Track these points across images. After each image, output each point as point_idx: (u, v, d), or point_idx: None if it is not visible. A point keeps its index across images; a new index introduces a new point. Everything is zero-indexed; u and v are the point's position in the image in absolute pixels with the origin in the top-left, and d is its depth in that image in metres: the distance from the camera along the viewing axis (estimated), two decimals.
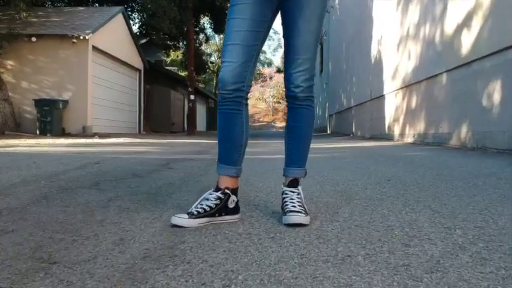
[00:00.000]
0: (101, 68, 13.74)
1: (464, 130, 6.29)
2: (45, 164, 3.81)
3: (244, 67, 1.60)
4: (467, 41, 6.19)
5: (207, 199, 1.62)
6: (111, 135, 13.17)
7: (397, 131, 9.68)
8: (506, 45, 5.16)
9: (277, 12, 1.69)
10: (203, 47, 27.89)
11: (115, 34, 14.56)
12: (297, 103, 1.71)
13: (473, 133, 6.01)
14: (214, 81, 37.39)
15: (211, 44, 32.98)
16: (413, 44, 8.55)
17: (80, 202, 2.06)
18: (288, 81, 1.70)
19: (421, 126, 8.15)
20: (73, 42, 12.25)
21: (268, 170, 3.51)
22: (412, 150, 6.45)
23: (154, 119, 18.87)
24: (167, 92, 19.29)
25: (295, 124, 1.76)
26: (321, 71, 23.41)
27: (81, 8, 15.58)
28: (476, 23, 5.90)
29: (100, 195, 2.24)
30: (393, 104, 9.99)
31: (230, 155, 1.68)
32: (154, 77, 19.09)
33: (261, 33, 1.63)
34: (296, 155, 1.77)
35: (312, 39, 1.65)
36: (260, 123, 46.39)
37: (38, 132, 11.79)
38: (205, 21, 23.89)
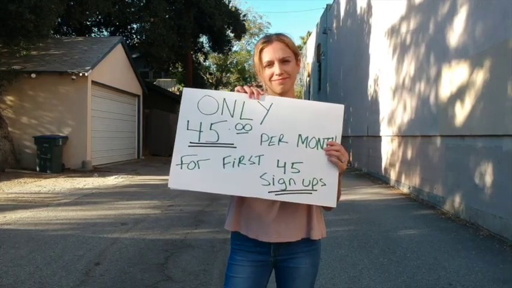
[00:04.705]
0: (100, 100, 13.84)
1: (457, 200, 6.42)
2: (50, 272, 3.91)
3: None
4: (460, 114, 6.30)
5: None
6: (110, 168, 13.28)
7: (393, 175, 9.81)
8: (498, 133, 5.28)
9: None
10: (201, 61, 28.04)
11: (114, 65, 14.64)
12: None
13: (466, 206, 6.13)
14: None
15: (210, 57, 33.21)
16: (409, 96, 8.68)
17: None
18: None
19: (416, 180, 8.27)
20: (72, 78, 12.36)
21: None
22: (408, 219, 6.51)
23: (153, 143, 18.99)
24: (166, 115, 19.39)
25: None
26: (319, 89, 23.51)
27: (80, 39, 15.64)
28: (469, 100, 6.01)
29: None
30: (389, 148, 10.12)
31: None
32: (153, 98, 19.15)
33: None
34: None
35: None
36: None
37: (38, 168, 11.87)
38: (203, 39, 23.97)
